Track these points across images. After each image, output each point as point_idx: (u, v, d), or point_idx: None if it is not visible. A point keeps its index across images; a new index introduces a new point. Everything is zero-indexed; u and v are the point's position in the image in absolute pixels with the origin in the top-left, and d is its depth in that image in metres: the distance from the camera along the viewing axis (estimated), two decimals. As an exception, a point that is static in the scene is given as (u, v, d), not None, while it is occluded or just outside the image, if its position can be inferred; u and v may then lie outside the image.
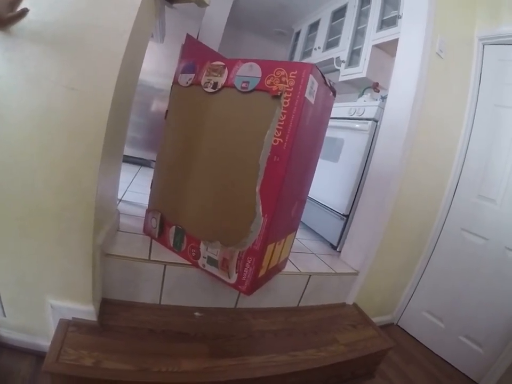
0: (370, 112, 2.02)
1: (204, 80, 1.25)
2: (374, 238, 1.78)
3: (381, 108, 1.94)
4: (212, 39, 3.91)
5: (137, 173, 2.76)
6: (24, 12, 0.84)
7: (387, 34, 2.77)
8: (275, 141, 1.08)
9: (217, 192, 1.23)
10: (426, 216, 2.04)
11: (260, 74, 1.10)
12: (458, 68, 1.88)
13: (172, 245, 1.39)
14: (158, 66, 3.00)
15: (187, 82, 1.31)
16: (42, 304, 1.11)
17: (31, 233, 1.02)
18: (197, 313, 1.37)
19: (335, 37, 3.64)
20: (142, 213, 1.57)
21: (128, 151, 2.98)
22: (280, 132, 1.07)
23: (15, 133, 0.93)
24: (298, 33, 4.77)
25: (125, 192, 2.00)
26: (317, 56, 3.98)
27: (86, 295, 1.11)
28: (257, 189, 1.12)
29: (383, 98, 2.13)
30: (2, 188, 0.97)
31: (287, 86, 1.05)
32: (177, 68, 1.37)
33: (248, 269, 1.19)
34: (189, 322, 1.32)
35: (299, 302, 1.66)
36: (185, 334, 1.25)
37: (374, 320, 1.93)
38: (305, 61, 4.28)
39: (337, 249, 2.04)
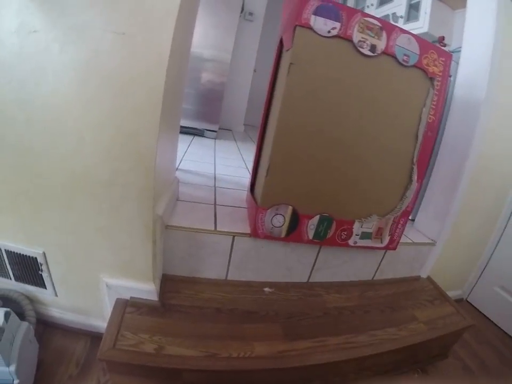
0: (442, 67, 1.68)
1: (356, 36, 0.98)
2: (453, 204, 1.51)
3: (455, 62, 1.62)
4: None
5: (191, 142, 2.61)
6: None
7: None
8: (429, 118, 1.14)
9: (373, 164, 1.14)
10: (504, 179, 1.69)
11: (418, 52, 1.06)
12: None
13: (311, 238, 1.17)
14: (205, 37, 2.83)
15: (329, 32, 0.97)
16: (97, 282, 0.97)
17: (78, 204, 0.86)
18: (267, 289, 1.19)
19: (389, -9, 3.25)
20: (201, 181, 1.41)
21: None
22: (433, 111, 1.14)
23: (56, 90, 0.75)
24: (348, -9, 4.36)
25: (181, 160, 1.82)
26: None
27: (146, 272, 0.95)
28: (415, 159, 1.17)
29: (453, 52, 1.76)
30: (44, 152, 0.80)
31: (438, 70, 1.10)
32: (298, 5, 0.92)
33: (400, 228, 1.27)
34: (258, 299, 1.14)
35: (374, 274, 1.45)
36: (254, 312, 1.07)
37: (445, 295, 1.70)
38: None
39: (410, 217, 1.75)
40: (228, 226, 1.13)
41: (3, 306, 0.97)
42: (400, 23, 2.91)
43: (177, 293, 1.05)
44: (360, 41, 0.98)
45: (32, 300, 1.05)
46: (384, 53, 1.01)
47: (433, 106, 1.13)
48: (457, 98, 1.51)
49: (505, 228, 1.75)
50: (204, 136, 2.95)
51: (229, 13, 2.85)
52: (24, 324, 0.89)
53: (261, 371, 0.88)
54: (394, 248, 1.31)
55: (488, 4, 1.37)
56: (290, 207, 1.10)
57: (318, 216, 1.13)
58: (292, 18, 0.96)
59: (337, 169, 1.10)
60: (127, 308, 0.95)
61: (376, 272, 1.43)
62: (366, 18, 0.97)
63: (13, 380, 0.79)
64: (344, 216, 1.16)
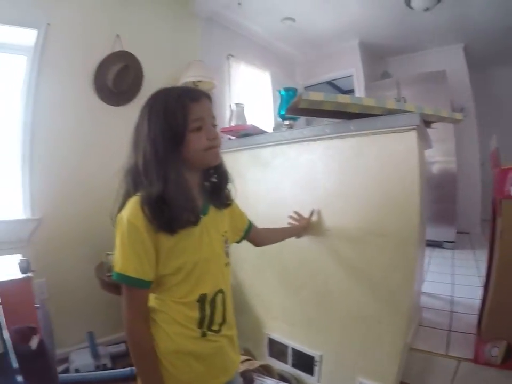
0: None
1: None
2: None
3: None
4: (461, 92, 3.94)
5: (430, 257, 2.92)
6: None
7: None
8: None
9: None
10: None
11: None
12: None
13: None
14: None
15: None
16: (352, 380, 1.43)
17: (351, 330, 1.40)
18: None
19: None
20: (440, 305, 1.78)
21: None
22: None
23: (338, 264, 1.38)
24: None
25: (423, 283, 2.20)
26: None
27: (389, 379, 1.35)
28: None
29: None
30: (332, 299, 1.41)
31: None
32: (499, 177, 1.28)
33: None
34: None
35: None
36: None
37: None
38: None
39: None
40: (457, 351, 1.48)
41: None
42: None
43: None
44: None
45: (299, 381, 1.61)
46: None
47: None
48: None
49: None
50: (442, 247, 3.22)
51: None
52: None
53: None
54: None
55: None
56: (504, 342, 1.36)
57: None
58: (495, 187, 1.29)
59: None
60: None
61: None
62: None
63: None
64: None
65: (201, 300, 0.81)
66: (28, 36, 1.99)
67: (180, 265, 0.79)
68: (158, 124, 0.78)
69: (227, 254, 0.93)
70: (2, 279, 1.00)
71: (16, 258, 1.21)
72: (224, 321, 0.87)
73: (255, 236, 1.13)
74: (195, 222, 0.78)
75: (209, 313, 0.83)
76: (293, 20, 3.34)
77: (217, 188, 0.92)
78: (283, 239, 1.33)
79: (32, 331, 0.94)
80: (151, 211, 0.73)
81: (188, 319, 0.80)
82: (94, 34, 2.24)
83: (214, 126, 0.84)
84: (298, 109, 1.25)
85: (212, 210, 0.90)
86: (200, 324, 0.81)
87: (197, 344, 0.81)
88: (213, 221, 0.89)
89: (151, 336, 0.79)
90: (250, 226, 1.10)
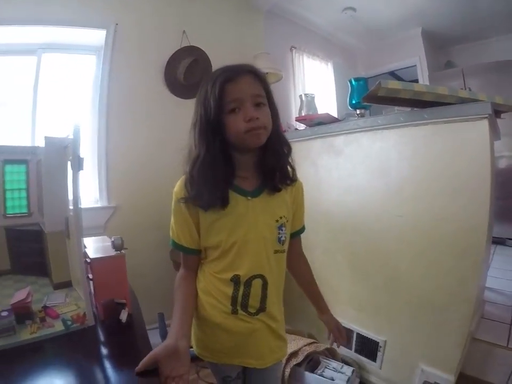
0: None
1: None
2: None
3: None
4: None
5: (493, 254, 2.89)
6: None
7: None
8: None
9: None
10: None
11: None
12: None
13: None
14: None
15: None
16: (414, 366, 1.51)
17: (418, 316, 1.47)
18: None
19: None
20: (503, 300, 1.82)
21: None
22: None
23: (408, 251, 1.44)
24: None
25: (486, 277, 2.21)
26: None
27: (451, 367, 1.42)
28: None
29: None
30: (401, 286, 1.49)
31: None
32: None
33: None
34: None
35: None
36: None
37: None
38: None
39: None
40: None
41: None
42: None
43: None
44: None
45: (360, 366, 1.71)
46: None
47: None
48: None
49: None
50: (506, 245, 3.17)
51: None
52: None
53: None
54: None
55: None
56: None
57: None
58: None
59: None
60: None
61: None
62: None
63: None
64: None
65: (235, 279, 0.84)
66: (96, 36, 2.18)
67: (217, 243, 0.84)
68: (199, 109, 0.83)
69: (279, 241, 0.89)
70: (97, 256, 1.04)
71: (103, 239, 1.30)
72: (262, 308, 0.87)
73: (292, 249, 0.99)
74: (222, 205, 0.81)
75: (242, 294, 0.85)
76: (353, 9, 3.41)
77: (267, 170, 0.88)
78: (306, 292, 1.17)
79: (122, 306, 1.00)
80: (187, 188, 0.82)
81: (220, 294, 0.86)
82: (161, 31, 2.42)
83: (258, 104, 0.81)
84: (375, 97, 1.33)
85: (266, 193, 0.88)
86: (233, 301, 0.85)
87: (227, 319, 0.85)
88: (266, 204, 0.88)
89: (188, 286, 0.90)
90: (299, 232, 1.02)
